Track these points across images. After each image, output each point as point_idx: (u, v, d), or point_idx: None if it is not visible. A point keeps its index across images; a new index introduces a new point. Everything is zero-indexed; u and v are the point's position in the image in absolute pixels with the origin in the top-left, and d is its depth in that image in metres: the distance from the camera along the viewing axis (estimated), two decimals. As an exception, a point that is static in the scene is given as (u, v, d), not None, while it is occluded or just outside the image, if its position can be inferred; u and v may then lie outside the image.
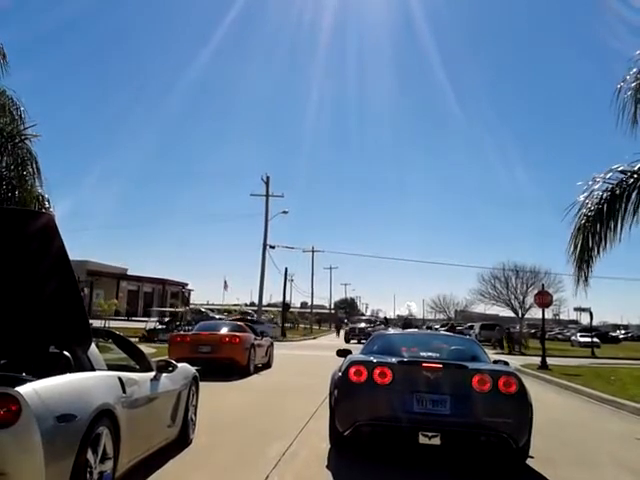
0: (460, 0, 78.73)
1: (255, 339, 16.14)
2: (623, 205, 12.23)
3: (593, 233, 12.39)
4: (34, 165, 12.92)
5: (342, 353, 7.59)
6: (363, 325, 50.69)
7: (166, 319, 34.45)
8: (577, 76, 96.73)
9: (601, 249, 12.46)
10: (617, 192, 12.27)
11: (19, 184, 12.60)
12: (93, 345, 4.81)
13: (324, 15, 77.36)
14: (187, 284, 74.19)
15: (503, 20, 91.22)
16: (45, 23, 67.16)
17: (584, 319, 60.21)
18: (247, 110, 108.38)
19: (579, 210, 12.61)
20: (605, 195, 12.36)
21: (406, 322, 69.13)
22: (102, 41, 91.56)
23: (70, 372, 4.19)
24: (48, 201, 13.28)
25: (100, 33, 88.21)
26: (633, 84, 12.75)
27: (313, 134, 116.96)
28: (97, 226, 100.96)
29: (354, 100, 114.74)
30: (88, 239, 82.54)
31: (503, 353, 29.96)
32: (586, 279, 12.76)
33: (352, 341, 41.47)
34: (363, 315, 73.43)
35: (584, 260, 12.58)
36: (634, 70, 12.84)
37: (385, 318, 77.14)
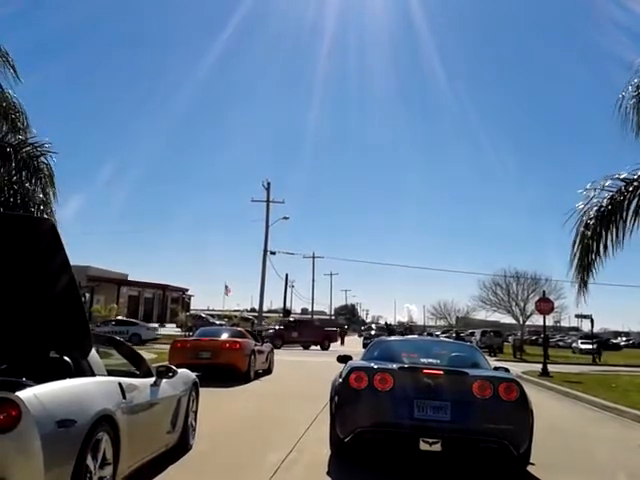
0: (460, 5, 78.92)
1: (255, 345, 16.14)
2: (624, 213, 12.25)
3: (593, 240, 12.39)
4: (49, 180, 13.19)
5: (342, 359, 7.59)
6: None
7: None
8: (578, 80, 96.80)
9: (602, 256, 12.47)
10: (618, 199, 12.28)
11: (24, 191, 12.78)
12: (93, 350, 4.81)
13: (325, 20, 77.66)
14: (187, 290, 74.11)
15: (503, 23, 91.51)
16: (46, 30, 67.40)
17: (585, 326, 60.07)
18: (248, 115, 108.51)
19: (580, 217, 12.63)
20: (605, 202, 12.38)
21: (390, 328, 57.90)
22: (101, 46, 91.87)
23: (70, 377, 4.19)
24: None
25: (98, 39, 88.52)
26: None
27: (314, 139, 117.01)
28: (98, 232, 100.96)
29: (355, 104, 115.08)
30: (89, 245, 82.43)
31: (503, 359, 29.92)
32: (585, 286, 12.76)
33: None
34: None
35: (585, 267, 12.58)
36: (636, 80, 12.85)
37: (386, 324, 76.96)
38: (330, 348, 36.33)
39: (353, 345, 41.42)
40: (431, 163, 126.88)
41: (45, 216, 12.32)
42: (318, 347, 36.66)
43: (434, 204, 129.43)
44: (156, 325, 41.68)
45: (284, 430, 8.24)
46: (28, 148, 13.09)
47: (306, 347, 36.12)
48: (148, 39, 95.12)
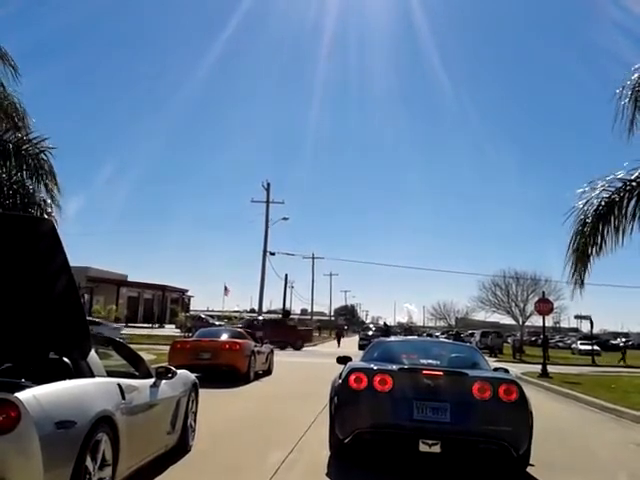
0: (460, 5, 79.05)
1: (255, 346, 16.13)
2: (623, 211, 12.27)
3: (591, 238, 12.42)
4: (50, 176, 13.21)
5: (342, 360, 7.57)
6: None
7: None
8: (578, 79, 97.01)
9: (599, 255, 12.50)
10: (615, 199, 12.31)
11: (25, 192, 12.80)
12: (93, 351, 4.80)
13: (325, 20, 77.88)
14: (187, 290, 74.13)
15: (503, 23, 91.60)
16: (47, 30, 67.39)
17: (584, 327, 60.09)
18: (248, 115, 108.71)
19: (578, 217, 12.66)
20: (603, 202, 12.40)
21: (387, 330, 57.84)
22: (101, 46, 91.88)
23: (70, 378, 4.18)
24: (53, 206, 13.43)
25: (98, 39, 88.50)
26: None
27: (314, 139, 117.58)
28: (98, 232, 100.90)
29: (355, 104, 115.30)
30: (89, 245, 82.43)
31: (502, 360, 29.90)
32: (582, 283, 12.81)
33: None
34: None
35: (582, 265, 12.62)
36: (635, 76, 12.88)
37: (385, 324, 76.64)
38: (303, 348, 37.43)
39: (350, 346, 41.28)
40: (431, 163, 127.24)
41: (45, 216, 12.34)
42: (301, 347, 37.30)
43: (434, 204, 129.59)
44: (121, 325, 41.42)
45: (284, 431, 8.23)
46: (27, 145, 13.09)
47: (282, 347, 36.36)
48: (148, 39, 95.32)
